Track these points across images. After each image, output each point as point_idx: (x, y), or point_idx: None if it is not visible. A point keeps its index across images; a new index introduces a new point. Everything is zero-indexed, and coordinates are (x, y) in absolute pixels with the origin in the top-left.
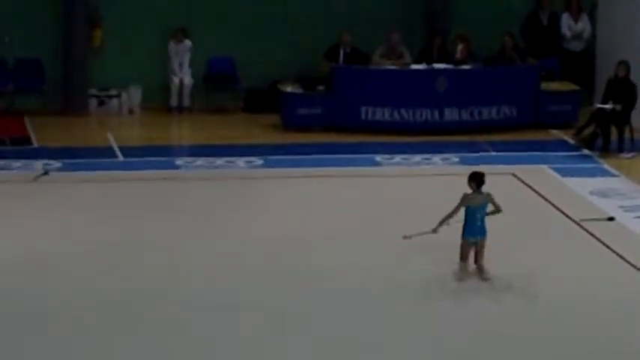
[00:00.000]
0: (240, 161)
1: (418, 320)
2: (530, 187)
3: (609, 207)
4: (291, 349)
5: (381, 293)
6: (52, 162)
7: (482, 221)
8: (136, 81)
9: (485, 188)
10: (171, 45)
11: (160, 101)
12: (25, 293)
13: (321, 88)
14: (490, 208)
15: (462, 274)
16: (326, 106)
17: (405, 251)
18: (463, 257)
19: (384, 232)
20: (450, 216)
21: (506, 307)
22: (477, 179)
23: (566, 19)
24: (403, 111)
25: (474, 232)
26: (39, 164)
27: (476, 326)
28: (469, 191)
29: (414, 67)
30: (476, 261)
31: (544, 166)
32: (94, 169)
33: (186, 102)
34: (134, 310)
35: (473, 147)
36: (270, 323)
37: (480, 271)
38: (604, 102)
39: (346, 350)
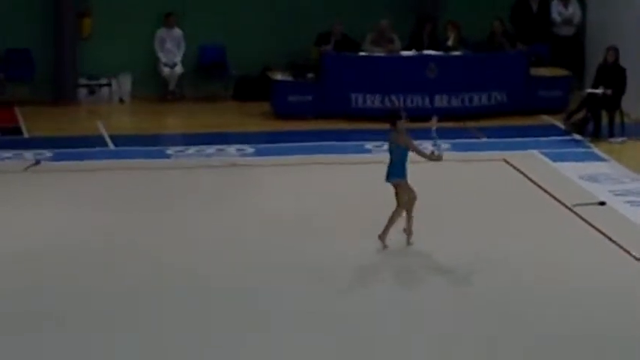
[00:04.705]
0: (232, 149)
1: (407, 304)
2: (521, 172)
3: (600, 192)
4: (289, 339)
5: (370, 279)
6: (43, 151)
7: (399, 163)
8: (126, 69)
9: (475, 173)
10: (162, 31)
11: (150, 89)
12: (18, 287)
13: (311, 75)
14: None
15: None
16: (316, 93)
17: (396, 236)
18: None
19: (374, 219)
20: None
21: (498, 291)
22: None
23: (556, 5)
24: (394, 97)
25: (389, 173)
26: (30, 154)
27: (466, 309)
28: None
29: (404, 53)
30: (396, 202)
31: (535, 152)
32: (85, 159)
33: (177, 90)
34: (129, 302)
35: (463, 133)
36: (263, 315)
37: (395, 211)
38: (594, 88)
39: (340, 345)
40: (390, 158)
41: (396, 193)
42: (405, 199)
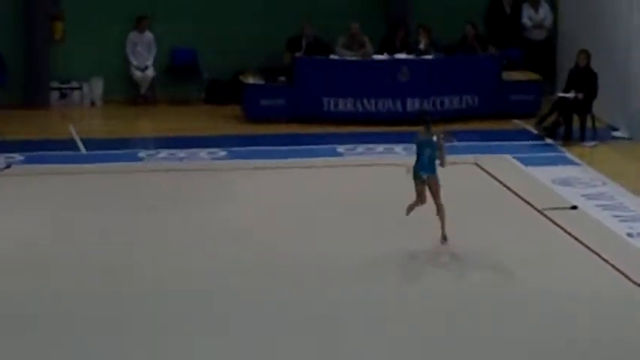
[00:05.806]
0: (203, 153)
1: (387, 305)
2: (493, 176)
3: (572, 196)
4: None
5: (344, 279)
6: (14, 155)
7: (429, 159)
8: (98, 73)
9: (446, 177)
10: (134, 35)
11: (122, 93)
12: None
13: (283, 79)
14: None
15: (408, 208)
16: (288, 97)
17: (367, 238)
18: (416, 194)
19: (346, 222)
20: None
21: (469, 295)
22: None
23: (526, 9)
24: (365, 101)
25: (420, 168)
26: (1, 158)
27: (439, 312)
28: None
29: (376, 57)
30: (434, 199)
31: (507, 156)
32: (57, 162)
33: (149, 93)
34: (100, 303)
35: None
36: (243, 312)
37: (438, 209)
38: (566, 92)
39: (328, 340)
40: (418, 156)
41: (431, 193)
42: (437, 195)
